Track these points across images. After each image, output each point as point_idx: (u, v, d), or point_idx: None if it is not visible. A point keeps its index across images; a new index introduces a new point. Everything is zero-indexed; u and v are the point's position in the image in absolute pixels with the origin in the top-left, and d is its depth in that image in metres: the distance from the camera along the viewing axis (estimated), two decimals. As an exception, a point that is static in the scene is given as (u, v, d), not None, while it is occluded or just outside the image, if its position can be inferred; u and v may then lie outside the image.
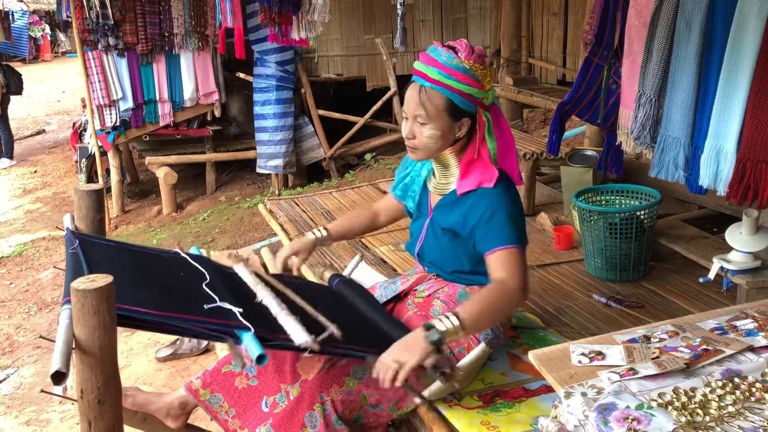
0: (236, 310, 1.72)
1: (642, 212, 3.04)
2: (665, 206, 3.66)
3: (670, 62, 2.58)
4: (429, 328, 1.74)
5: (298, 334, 1.70)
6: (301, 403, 1.90)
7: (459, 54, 1.92)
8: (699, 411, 1.40)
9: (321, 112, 7.53)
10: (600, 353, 1.65)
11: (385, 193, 3.69)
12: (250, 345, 1.61)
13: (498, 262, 1.90)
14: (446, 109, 1.94)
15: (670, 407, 1.42)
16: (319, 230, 2.30)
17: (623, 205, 3.24)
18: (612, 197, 3.30)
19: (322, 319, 1.81)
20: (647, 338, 1.71)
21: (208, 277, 1.91)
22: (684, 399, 1.44)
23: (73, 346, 1.45)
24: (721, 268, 2.61)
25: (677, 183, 2.67)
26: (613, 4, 3.04)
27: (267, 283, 1.99)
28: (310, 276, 2.85)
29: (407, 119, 2.00)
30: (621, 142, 3.00)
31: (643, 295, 2.97)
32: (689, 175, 2.60)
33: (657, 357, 1.59)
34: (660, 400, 1.44)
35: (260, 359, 1.60)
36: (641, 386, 1.49)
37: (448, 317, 1.75)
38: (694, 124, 2.54)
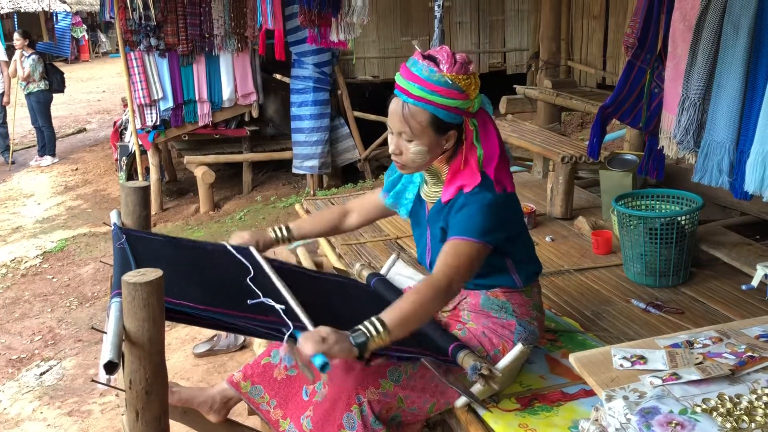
0: (279, 307, 1.76)
1: (683, 217, 2.99)
2: (706, 212, 3.60)
3: (716, 65, 2.56)
4: (356, 330, 1.71)
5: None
6: (338, 403, 1.91)
7: (441, 66, 1.85)
8: (744, 418, 1.39)
9: (357, 113, 7.57)
10: (642, 357, 1.64)
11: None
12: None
13: (444, 252, 1.88)
14: (431, 124, 1.89)
15: (714, 413, 1.41)
16: (280, 228, 2.29)
17: (663, 210, 3.20)
18: (652, 202, 3.26)
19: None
20: (690, 344, 1.70)
21: (252, 271, 1.95)
22: (729, 405, 1.42)
23: (123, 337, 1.49)
24: (765, 275, 2.57)
25: (719, 189, 2.64)
26: (657, 7, 3.02)
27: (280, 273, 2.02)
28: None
29: (392, 134, 1.96)
30: (663, 147, 2.96)
31: (683, 301, 2.92)
32: (734, 180, 2.57)
33: (700, 363, 1.58)
34: (704, 406, 1.43)
35: (323, 367, 1.61)
36: (685, 391, 1.48)
37: (373, 323, 1.72)
38: (740, 129, 2.51)
